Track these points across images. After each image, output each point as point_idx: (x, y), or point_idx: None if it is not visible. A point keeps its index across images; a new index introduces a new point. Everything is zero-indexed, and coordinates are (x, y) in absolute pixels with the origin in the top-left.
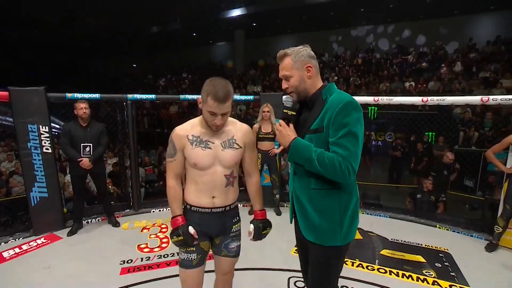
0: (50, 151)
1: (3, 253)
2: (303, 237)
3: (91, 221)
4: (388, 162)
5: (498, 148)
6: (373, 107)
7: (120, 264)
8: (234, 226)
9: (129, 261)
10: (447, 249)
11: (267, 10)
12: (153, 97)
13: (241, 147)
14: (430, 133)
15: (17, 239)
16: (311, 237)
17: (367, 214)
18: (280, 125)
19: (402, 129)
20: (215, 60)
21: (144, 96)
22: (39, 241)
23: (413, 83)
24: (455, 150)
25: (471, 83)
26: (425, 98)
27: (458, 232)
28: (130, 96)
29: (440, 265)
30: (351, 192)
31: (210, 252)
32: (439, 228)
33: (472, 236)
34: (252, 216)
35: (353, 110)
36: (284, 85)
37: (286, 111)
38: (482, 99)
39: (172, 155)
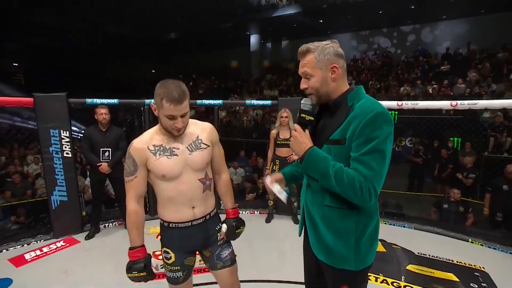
0: (70, 155)
1: (25, 255)
2: (312, 254)
3: (108, 226)
4: (408, 168)
5: None
6: (394, 112)
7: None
8: (218, 234)
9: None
10: (484, 268)
11: (283, 15)
12: None
13: (209, 146)
14: (456, 139)
15: (38, 241)
16: (322, 257)
17: (390, 224)
18: (296, 130)
19: (423, 134)
20: (231, 64)
21: None
22: (58, 244)
23: (436, 87)
24: (484, 157)
25: (501, 85)
26: (454, 102)
27: (495, 249)
28: (147, 101)
29: (477, 286)
30: (371, 214)
31: (202, 265)
32: (472, 242)
33: (511, 253)
34: (270, 225)
35: (384, 123)
36: (303, 84)
37: (303, 115)
38: None
39: (131, 173)
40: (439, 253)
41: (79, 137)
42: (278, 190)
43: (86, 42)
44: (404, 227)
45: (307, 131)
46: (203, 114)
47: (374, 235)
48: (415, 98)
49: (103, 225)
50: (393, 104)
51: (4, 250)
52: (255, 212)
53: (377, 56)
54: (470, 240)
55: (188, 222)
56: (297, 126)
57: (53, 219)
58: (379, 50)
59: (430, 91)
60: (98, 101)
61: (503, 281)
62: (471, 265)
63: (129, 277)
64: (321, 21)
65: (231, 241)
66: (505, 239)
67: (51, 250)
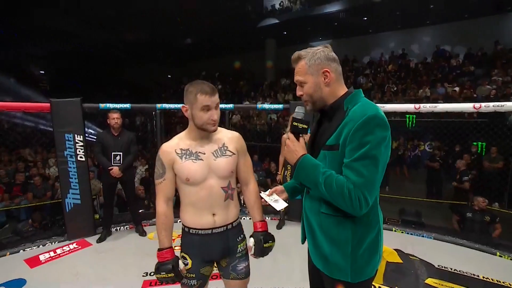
0: (83, 159)
1: (40, 256)
2: (313, 262)
3: (119, 229)
4: (425, 174)
5: None
6: (411, 115)
7: (143, 276)
8: (239, 246)
9: (152, 274)
10: None
11: (298, 18)
12: (179, 106)
13: (234, 154)
14: (480, 143)
15: (53, 243)
16: (319, 264)
17: (407, 233)
18: (289, 139)
19: (444, 139)
20: (246, 69)
21: (172, 106)
22: (71, 246)
23: (457, 89)
24: None
25: None
26: (477, 104)
27: None
28: (159, 105)
29: None
30: (369, 223)
31: (215, 271)
32: (501, 256)
33: None
34: (281, 231)
35: (377, 127)
36: (298, 91)
37: (296, 123)
38: None
39: (161, 175)
40: (462, 267)
41: (94, 140)
42: (273, 198)
43: (106, 48)
44: (423, 236)
45: (301, 140)
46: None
47: (374, 247)
48: (435, 101)
49: (114, 228)
50: (410, 107)
51: (21, 251)
52: (267, 218)
53: (394, 58)
54: (498, 253)
55: (208, 229)
56: (290, 135)
57: (67, 222)
58: (397, 51)
59: (451, 93)
60: (111, 105)
61: None
62: (500, 281)
63: (157, 277)
64: (336, 24)
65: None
66: None
67: (64, 252)
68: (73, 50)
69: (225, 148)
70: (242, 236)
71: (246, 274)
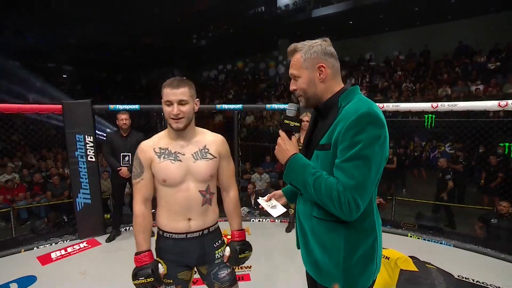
0: (94, 159)
1: (51, 254)
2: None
3: (129, 229)
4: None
5: None
6: (430, 115)
7: None
8: (216, 252)
9: None
10: None
11: (311, 18)
12: None
13: (215, 157)
14: (507, 144)
15: (65, 241)
16: (311, 271)
17: (424, 239)
18: (280, 137)
19: (466, 139)
20: (259, 70)
21: None
22: (82, 245)
23: (481, 87)
24: None
25: None
26: (503, 102)
27: None
28: None
29: None
30: (365, 230)
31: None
32: None
33: None
34: (290, 234)
35: (370, 125)
36: (292, 86)
37: (287, 121)
38: None
39: (138, 175)
40: (485, 278)
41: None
42: (271, 207)
43: (123, 53)
44: (441, 243)
45: (293, 138)
46: (231, 119)
47: (370, 255)
48: (456, 100)
49: (124, 228)
50: (427, 106)
51: (35, 248)
52: (276, 220)
53: (412, 56)
54: None
55: (182, 234)
56: (282, 133)
57: (77, 221)
58: (416, 49)
59: (475, 91)
60: (121, 107)
61: None
62: None
63: (135, 284)
64: (351, 22)
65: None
66: None
67: (74, 250)
68: (95, 56)
69: (206, 150)
70: (220, 241)
71: (231, 281)
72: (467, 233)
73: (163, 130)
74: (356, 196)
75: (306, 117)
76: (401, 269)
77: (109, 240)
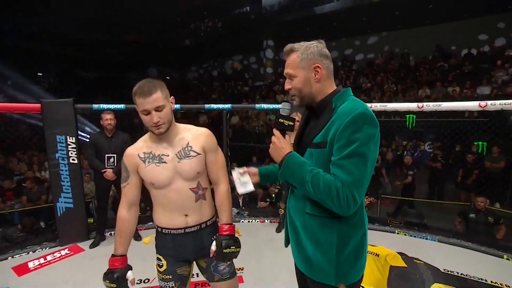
0: (76, 161)
1: (28, 263)
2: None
3: (114, 234)
4: (426, 174)
5: None
6: (412, 115)
7: (137, 283)
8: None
9: (146, 281)
10: None
11: (296, 19)
12: (178, 106)
13: (199, 154)
14: (480, 143)
15: (44, 249)
16: (303, 268)
17: (411, 236)
18: (275, 136)
19: (444, 139)
20: (245, 70)
21: None
22: (63, 252)
23: (457, 88)
24: None
25: None
26: (483, 103)
27: None
28: None
29: None
30: (355, 224)
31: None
32: (508, 259)
33: None
34: (280, 234)
35: (366, 124)
36: (287, 85)
37: (282, 120)
38: None
39: (125, 179)
40: (469, 271)
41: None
42: (241, 181)
43: (108, 51)
44: (426, 239)
45: (287, 137)
46: (216, 119)
47: (360, 248)
48: (435, 100)
49: (108, 232)
50: (413, 106)
51: (10, 258)
52: (266, 220)
53: (394, 57)
54: (505, 256)
55: (181, 229)
56: (276, 132)
57: (58, 227)
58: (397, 51)
59: (451, 93)
60: (105, 106)
61: None
62: (509, 286)
63: (104, 284)
64: (334, 24)
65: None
66: None
67: (55, 258)
68: (76, 54)
69: (189, 148)
70: (217, 235)
71: (231, 274)
72: (449, 228)
73: (146, 130)
74: (354, 191)
75: (296, 117)
76: (391, 266)
77: (93, 245)
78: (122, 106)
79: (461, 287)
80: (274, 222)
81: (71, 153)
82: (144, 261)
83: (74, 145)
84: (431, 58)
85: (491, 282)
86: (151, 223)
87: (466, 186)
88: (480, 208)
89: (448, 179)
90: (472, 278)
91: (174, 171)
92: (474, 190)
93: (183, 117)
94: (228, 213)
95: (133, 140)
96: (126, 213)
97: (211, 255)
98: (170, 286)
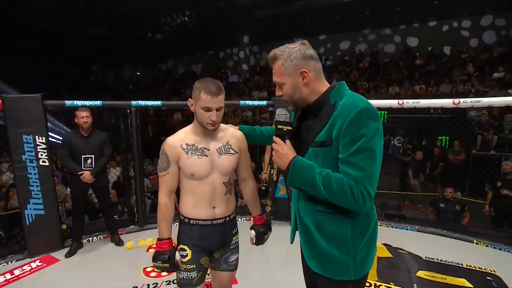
0: (47, 163)
1: None
2: (308, 266)
3: (92, 240)
4: (394, 168)
5: None
6: (383, 111)
7: None
8: (233, 238)
9: None
10: (494, 271)
11: (271, 15)
12: (159, 103)
13: (237, 152)
14: (444, 137)
15: (9, 263)
16: (317, 268)
17: (392, 227)
18: (276, 143)
19: (412, 134)
20: (220, 66)
21: (149, 103)
22: (33, 265)
23: (423, 86)
24: (472, 155)
25: (485, 85)
26: (456, 100)
27: (501, 249)
28: (134, 102)
29: None
30: (368, 216)
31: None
32: (478, 244)
33: None
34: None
35: (370, 119)
36: (278, 92)
37: (280, 126)
38: None
39: (165, 168)
40: (447, 257)
41: (59, 142)
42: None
43: (71, 44)
44: (406, 229)
45: (288, 142)
46: (191, 117)
47: (372, 239)
48: (404, 98)
49: (86, 239)
50: (393, 102)
51: None
52: (252, 218)
53: (365, 56)
54: (475, 241)
55: (208, 220)
56: (276, 139)
57: (27, 236)
58: (367, 50)
59: (418, 90)
60: (79, 103)
61: None
62: (482, 268)
63: (154, 265)
64: (309, 22)
65: (257, 246)
66: (508, 239)
67: (24, 272)
68: (33, 47)
69: (229, 146)
70: (236, 229)
71: (235, 266)
72: (425, 218)
73: (124, 129)
74: (367, 186)
75: None
76: (378, 257)
77: (69, 254)
78: (98, 102)
79: (442, 272)
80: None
81: (41, 155)
82: (130, 267)
83: (44, 146)
84: (398, 58)
85: (466, 265)
86: (133, 227)
87: (433, 177)
88: (449, 198)
89: (416, 172)
90: (450, 263)
91: (213, 164)
92: (440, 181)
93: (156, 115)
94: (259, 205)
95: (111, 139)
96: (168, 200)
97: (250, 243)
98: (193, 276)
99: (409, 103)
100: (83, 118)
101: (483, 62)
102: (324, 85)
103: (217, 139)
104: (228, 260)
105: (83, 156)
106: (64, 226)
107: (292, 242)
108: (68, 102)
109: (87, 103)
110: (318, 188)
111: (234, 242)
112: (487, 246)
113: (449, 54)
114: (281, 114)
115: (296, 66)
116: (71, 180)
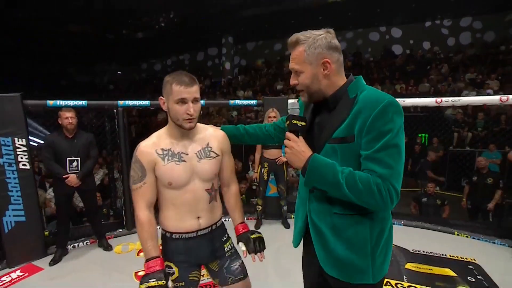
0: (28, 167)
1: None
2: (316, 269)
3: (78, 245)
4: None
5: None
6: None
7: None
8: (225, 246)
9: None
10: (475, 259)
11: (255, 15)
12: (147, 103)
13: (218, 155)
14: (423, 135)
15: None
16: (334, 272)
17: None
18: (290, 139)
19: None
20: (203, 66)
21: (137, 103)
22: (14, 275)
23: (404, 85)
24: (450, 151)
25: (460, 85)
26: (439, 99)
27: (479, 239)
28: (121, 102)
29: (474, 279)
30: (384, 217)
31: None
32: (458, 235)
33: (494, 243)
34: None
35: (396, 114)
36: (293, 80)
37: (295, 121)
38: (501, 98)
39: (140, 179)
40: (432, 249)
41: (35, 145)
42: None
43: (46, 42)
44: (394, 224)
45: (301, 138)
46: None
47: (389, 240)
48: None
49: (71, 245)
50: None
51: None
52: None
53: (348, 56)
54: (456, 232)
55: (193, 232)
56: (290, 135)
57: (6, 245)
58: (350, 50)
59: (399, 90)
60: (63, 102)
61: (496, 271)
62: (463, 258)
63: (146, 287)
64: (293, 21)
65: (249, 254)
66: (488, 230)
67: (3, 283)
68: (5, 42)
69: (209, 149)
70: (226, 235)
71: (245, 273)
72: (409, 213)
73: (110, 130)
74: (394, 184)
75: (273, 113)
76: None
77: (53, 262)
78: (83, 102)
79: (428, 263)
80: (250, 219)
81: (21, 158)
82: (121, 272)
83: (24, 148)
84: (380, 58)
85: (450, 256)
86: (121, 230)
87: (414, 173)
88: (430, 193)
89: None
90: (435, 255)
91: (193, 170)
92: (420, 177)
93: (140, 114)
94: (241, 212)
95: (97, 140)
96: (149, 214)
97: (244, 256)
98: None
99: (405, 102)
100: (68, 118)
101: (457, 63)
102: (343, 80)
103: (196, 141)
104: (230, 269)
105: (68, 158)
106: (47, 233)
107: (297, 245)
108: (50, 102)
109: (71, 103)
110: (341, 188)
111: (228, 249)
112: (467, 237)
113: (427, 55)
114: (295, 108)
115: (319, 55)
116: (55, 184)
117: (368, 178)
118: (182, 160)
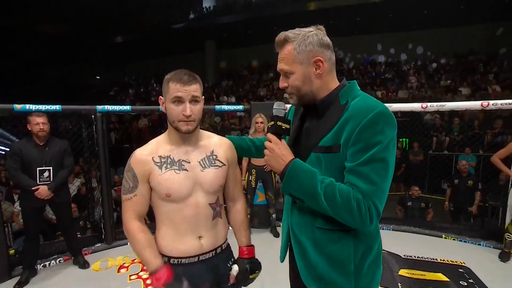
0: None
1: None
2: (302, 285)
3: (49, 264)
4: None
5: (504, 153)
6: None
7: None
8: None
9: None
10: (464, 263)
11: (238, 21)
12: (128, 108)
13: (224, 164)
14: (404, 139)
15: None
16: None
17: None
18: (271, 141)
19: None
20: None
21: (117, 108)
22: None
23: (384, 92)
24: (429, 155)
25: (436, 91)
26: (424, 104)
27: (466, 242)
28: (99, 107)
29: (466, 283)
30: (371, 234)
31: None
32: (446, 238)
33: (480, 245)
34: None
35: (387, 125)
36: (282, 82)
37: (280, 123)
38: (482, 104)
39: (131, 190)
40: (422, 253)
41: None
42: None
43: (20, 43)
44: (382, 229)
45: (283, 141)
46: (156, 123)
47: (378, 259)
48: None
49: (41, 264)
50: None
51: None
52: (229, 227)
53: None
54: (443, 235)
55: (194, 257)
56: (271, 136)
57: None
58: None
59: (381, 95)
60: (33, 107)
61: (485, 274)
62: (453, 261)
63: None
64: (275, 28)
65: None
66: (472, 232)
67: None
68: None
69: (215, 157)
70: (233, 259)
71: None
72: (395, 217)
73: (88, 137)
74: (376, 202)
75: (260, 118)
76: None
77: (19, 286)
78: (57, 107)
79: (420, 269)
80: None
81: None
82: None
83: None
84: (361, 65)
85: (440, 260)
86: (99, 245)
87: (396, 177)
88: (415, 196)
89: None
90: (426, 259)
91: (195, 181)
92: (402, 181)
93: (119, 120)
94: (249, 233)
95: (73, 148)
96: (141, 224)
97: (231, 281)
98: None
99: (392, 106)
100: (39, 124)
101: (432, 71)
102: (335, 82)
103: (199, 148)
104: None
105: (38, 168)
106: (12, 251)
107: (282, 260)
108: (18, 106)
109: (42, 107)
110: (319, 198)
111: (230, 282)
112: (454, 239)
113: (405, 64)
114: (280, 109)
115: (310, 52)
116: (22, 196)
117: (348, 192)
118: (183, 169)
